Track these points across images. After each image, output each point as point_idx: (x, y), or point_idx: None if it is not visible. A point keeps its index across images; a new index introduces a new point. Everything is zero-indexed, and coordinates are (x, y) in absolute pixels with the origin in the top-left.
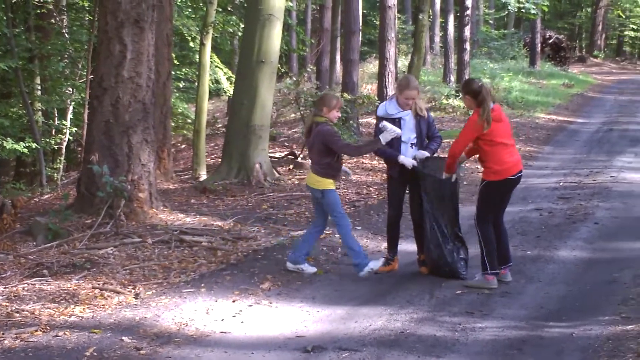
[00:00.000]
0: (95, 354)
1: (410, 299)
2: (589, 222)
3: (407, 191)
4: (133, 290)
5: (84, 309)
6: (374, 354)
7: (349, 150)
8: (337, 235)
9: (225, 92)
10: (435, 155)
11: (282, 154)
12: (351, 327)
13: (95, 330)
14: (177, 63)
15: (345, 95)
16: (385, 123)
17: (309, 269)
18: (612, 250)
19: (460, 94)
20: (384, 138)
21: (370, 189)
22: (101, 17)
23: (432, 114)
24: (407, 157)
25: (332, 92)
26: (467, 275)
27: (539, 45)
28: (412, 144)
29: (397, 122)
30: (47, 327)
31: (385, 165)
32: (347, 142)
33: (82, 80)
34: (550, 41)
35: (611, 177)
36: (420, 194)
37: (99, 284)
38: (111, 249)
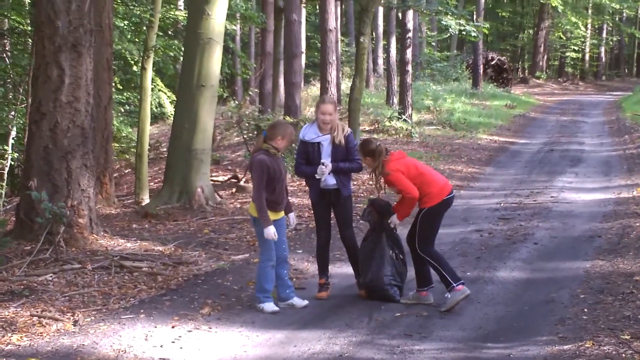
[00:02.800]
0: None
1: (350, 322)
2: (528, 242)
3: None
4: (72, 318)
5: (21, 337)
6: None
7: (255, 193)
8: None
9: (169, 116)
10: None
11: (225, 178)
12: (290, 352)
13: (32, 359)
14: (121, 87)
15: (288, 118)
16: (321, 167)
17: (298, 302)
18: (551, 270)
19: (359, 155)
20: (319, 172)
21: (312, 211)
22: (38, 41)
23: (375, 136)
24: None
25: (278, 116)
26: (400, 299)
27: (482, 66)
28: (330, 171)
29: (315, 146)
30: None
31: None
32: (260, 184)
33: (23, 105)
34: (493, 63)
35: (552, 197)
36: (344, 216)
37: (37, 312)
38: (50, 276)
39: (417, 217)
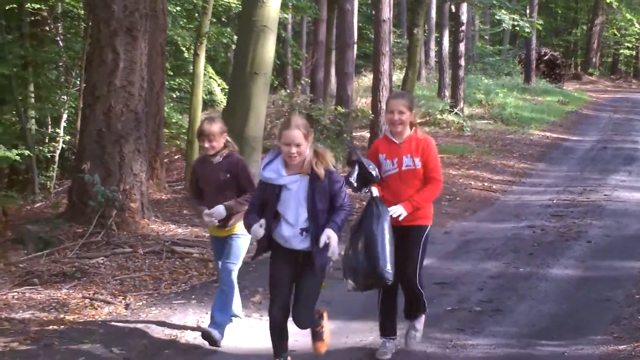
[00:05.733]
0: None
1: (401, 315)
2: (581, 240)
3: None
4: (123, 301)
5: (74, 318)
6: None
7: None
8: None
9: (219, 103)
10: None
11: None
12: (342, 342)
13: (85, 341)
14: (172, 73)
15: (339, 108)
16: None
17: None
18: (605, 268)
19: (405, 110)
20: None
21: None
22: (94, 25)
23: (426, 128)
24: (284, 235)
25: (329, 106)
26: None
27: (534, 61)
28: (302, 230)
29: (277, 190)
30: (37, 337)
31: None
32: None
33: (76, 89)
34: (546, 58)
35: (605, 195)
36: (307, 291)
37: (89, 294)
38: (102, 259)
39: (415, 237)
